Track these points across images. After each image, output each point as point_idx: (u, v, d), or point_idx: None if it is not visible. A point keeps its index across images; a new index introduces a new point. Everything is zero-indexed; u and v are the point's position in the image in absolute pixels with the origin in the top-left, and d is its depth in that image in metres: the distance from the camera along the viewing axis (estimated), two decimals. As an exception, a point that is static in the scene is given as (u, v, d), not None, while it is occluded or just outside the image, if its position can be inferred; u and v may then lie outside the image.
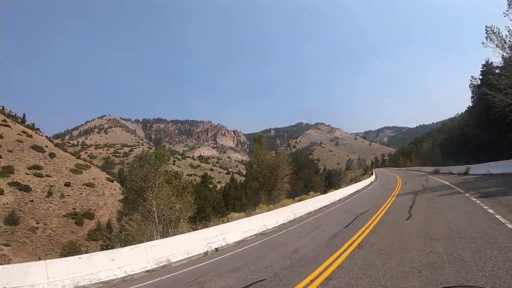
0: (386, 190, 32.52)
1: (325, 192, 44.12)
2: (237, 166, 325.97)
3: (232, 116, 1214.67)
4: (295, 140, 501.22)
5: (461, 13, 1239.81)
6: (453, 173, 44.13)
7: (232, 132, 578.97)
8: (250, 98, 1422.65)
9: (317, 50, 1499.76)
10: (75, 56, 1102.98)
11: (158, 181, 26.44)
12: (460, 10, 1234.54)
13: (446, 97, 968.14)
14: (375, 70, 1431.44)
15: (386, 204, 19.97)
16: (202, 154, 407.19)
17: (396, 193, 27.85)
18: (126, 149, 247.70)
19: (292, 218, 21.31)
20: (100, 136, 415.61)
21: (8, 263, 58.09)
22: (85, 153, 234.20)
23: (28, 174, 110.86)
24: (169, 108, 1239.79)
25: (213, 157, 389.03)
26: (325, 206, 26.50)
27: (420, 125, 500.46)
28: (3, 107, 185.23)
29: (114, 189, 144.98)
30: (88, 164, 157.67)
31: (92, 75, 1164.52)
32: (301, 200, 28.96)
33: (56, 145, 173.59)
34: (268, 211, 22.83)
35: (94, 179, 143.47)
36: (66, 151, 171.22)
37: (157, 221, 23.24)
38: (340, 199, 30.61)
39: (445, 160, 70.82)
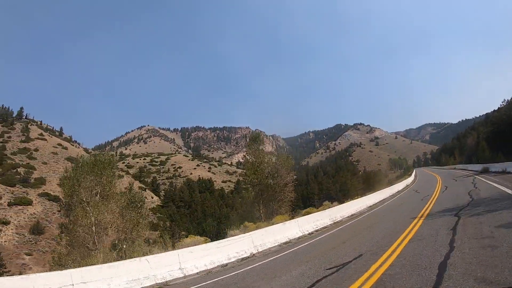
0: (417, 202, 23.99)
1: (340, 202, 35.32)
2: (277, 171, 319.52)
3: (271, 121, 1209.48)
4: (334, 142, 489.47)
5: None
6: (510, 172, 35.04)
7: (270, 137, 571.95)
8: (288, 102, 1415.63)
9: (354, 49, 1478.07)
10: (114, 68, 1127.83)
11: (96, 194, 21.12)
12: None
13: (488, 90, 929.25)
14: (414, 67, 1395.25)
15: (398, 243, 10.87)
16: (241, 160, 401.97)
17: (429, 208, 18.50)
18: (163, 158, 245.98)
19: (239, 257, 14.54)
20: (140, 146, 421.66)
21: (27, 273, 54.90)
22: (122, 163, 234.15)
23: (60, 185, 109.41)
24: (208, 116, 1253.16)
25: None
26: (298, 238, 17.85)
27: (462, 120, 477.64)
28: (41, 122, 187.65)
29: (146, 197, 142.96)
30: (121, 173, 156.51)
31: (131, 86, 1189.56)
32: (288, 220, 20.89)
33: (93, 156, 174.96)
34: (242, 234, 16.82)
35: (126, 188, 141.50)
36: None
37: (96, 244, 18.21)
38: (339, 220, 22.40)
39: (494, 155, 63.95)
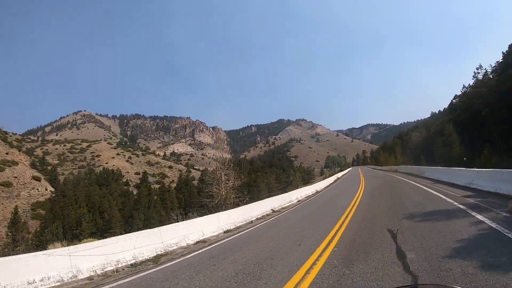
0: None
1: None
2: (209, 163, 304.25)
3: (214, 113, 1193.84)
4: (274, 136, 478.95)
5: (445, 11, 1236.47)
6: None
7: (211, 129, 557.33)
8: (233, 95, 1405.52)
9: (302, 48, 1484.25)
10: (56, 50, 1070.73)
11: None
12: (443, 9, 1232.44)
13: (431, 97, 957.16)
14: (360, 69, 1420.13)
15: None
16: (176, 151, 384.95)
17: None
18: (85, 145, 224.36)
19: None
20: (72, 132, 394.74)
21: None
22: (40, 149, 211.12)
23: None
24: (151, 104, 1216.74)
25: (186, 154, 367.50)
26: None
27: (404, 122, 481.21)
28: None
29: (38, 189, 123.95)
30: (15, 160, 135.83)
31: (69, 69, 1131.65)
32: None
33: (4, 139, 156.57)
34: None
35: (16, 177, 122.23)
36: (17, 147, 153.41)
37: None
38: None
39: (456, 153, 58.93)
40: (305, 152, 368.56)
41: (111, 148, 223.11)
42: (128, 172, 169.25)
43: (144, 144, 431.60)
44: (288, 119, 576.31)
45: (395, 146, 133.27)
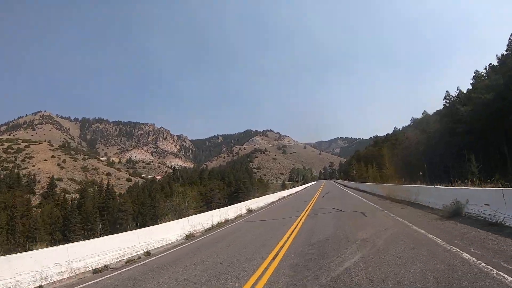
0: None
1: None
2: (165, 172, 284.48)
3: (183, 121, 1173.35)
4: (239, 147, 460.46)
5: (416, 27, 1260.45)
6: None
7: (175, 137, 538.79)
8: (202, 104, 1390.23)
9: (275, 61, 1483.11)
10: (21, 47, 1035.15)
11: None
12: (411, 25, 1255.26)
13: (400, 113, 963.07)
14: (332, 83, 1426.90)
15: None
16: (133, 158, 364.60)
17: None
18: (23, 145, 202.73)
19: None
20: (26, 132, 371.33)
21: None
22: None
23: None
24: (117, 109, 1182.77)
25: (143, 161, 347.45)
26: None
27: (373, 136, 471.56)
28: None
29: None
30: None
31: (32, 68, 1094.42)
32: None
33: None
34: None
35: None
36: None
37: None
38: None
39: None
40: (269, 163, 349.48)
41: (50, 150, 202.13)
42: (49, 177, 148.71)
43: (102, 150, 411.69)
44: (255, 130, 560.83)
45: (370, 157, 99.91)
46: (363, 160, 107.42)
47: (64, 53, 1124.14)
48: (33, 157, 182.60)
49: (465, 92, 70.78)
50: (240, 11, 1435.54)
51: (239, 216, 22.89)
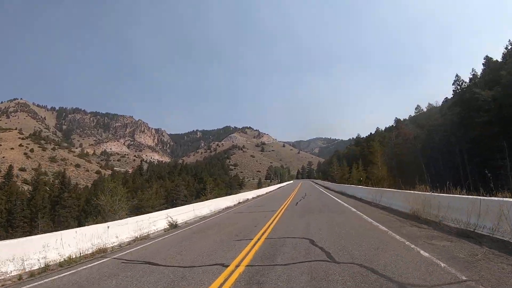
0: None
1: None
2: (138, 166, 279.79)
3: (161, 114, 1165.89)
4: (217, 143, 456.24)
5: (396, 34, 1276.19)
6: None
7: (153, 130, 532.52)
8: (182, 99, 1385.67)
9: (257, 60, 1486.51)
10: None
11: None
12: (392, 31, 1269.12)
13: (376, 118, 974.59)
14: (311, 83, 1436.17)
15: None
16: (108, 150, 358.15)
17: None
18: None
19: None
20: (0, 120, 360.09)
21: None
22: None
23: None
24: (95, 100, 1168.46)
25: (118, 154, 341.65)
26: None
27: (353, 137, 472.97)
28: None
29: None
30: None
31: (11, 53, 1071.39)
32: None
33: None
34: None
35: None
36: None
37: None
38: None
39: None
40: (246, 160, 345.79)
41: (20, 138, 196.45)
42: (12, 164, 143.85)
43: (78, 141, 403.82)
44: (235, 126, 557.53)
45: (357, 155, 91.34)
46: (345, 160, 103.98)
47: (45, 40, 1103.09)
48: (0, 145, 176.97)
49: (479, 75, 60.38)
50: (223, 8, 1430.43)
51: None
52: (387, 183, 47.80)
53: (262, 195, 47.02)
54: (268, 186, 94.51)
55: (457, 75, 60.61)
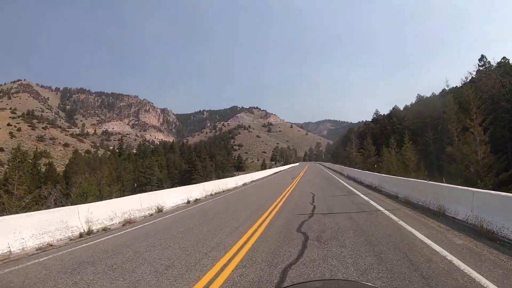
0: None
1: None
2: (140, 146, 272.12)
3: (168, 94, 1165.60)
4: (223, 122, 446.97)
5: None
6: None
7: (158, 110, 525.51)
8: (189, 79, 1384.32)
9: (270, 39, 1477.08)
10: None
11: None
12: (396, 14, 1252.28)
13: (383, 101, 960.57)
14: (318, 65, 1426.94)
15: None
16: (110, 130, 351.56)
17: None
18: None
19: None
20: (1, 101, 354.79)
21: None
22: None
23: None
24: (101, 80, 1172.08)
25: (119, 134, 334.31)
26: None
27: (362, 120, 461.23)
28: None
29: None
30: None
31: (19, 34, 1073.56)
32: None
33: None
34: None
35: None
36: None
37: None
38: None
39: None
40: (251, 141, 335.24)
41: (10, 118, 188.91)
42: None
43: (81, 121, 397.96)
44: (242, 106, 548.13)
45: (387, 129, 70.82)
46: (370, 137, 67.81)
47: (51, 18, 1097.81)
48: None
49: None
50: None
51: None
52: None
53: (247, 183, 31.02)
54: (269, 168, 75.01)
55: None
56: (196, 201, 17.16)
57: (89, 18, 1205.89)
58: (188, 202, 16.44)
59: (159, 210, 13.39)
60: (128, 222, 11.07)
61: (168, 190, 18.41)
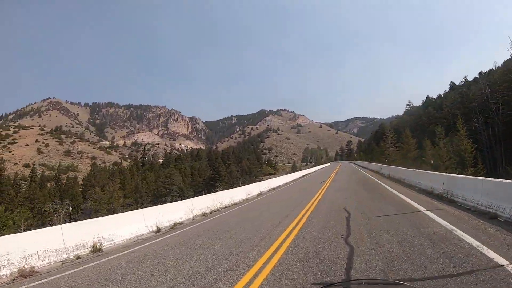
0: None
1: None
2: (166, 155, 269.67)
3: (195, 103, 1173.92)
4: (251, 127, 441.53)
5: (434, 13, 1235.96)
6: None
7: (187, 118, 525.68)
8: (217, 86, 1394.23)
9: (292, 42, 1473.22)
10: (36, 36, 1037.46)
11: None
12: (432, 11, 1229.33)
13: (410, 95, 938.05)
14: (349, 63, 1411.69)
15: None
16: (139, 141, 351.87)
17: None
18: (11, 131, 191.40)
19: None
20: (32, 119, 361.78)
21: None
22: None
23: None
24: (129, 93, 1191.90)
25: (149, 144, 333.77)
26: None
27: (392, 115, 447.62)
28: None
29: None
30: None
31: (47, 55, 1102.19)
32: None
33: None
34: None
35: None
36: None
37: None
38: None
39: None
40: (281, 143, 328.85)
41: (39, 134, 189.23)
42: (17, 163, 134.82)
43: (111, 134, 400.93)
44: (270, 110, 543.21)
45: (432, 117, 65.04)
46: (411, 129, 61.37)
47: (77, 40, 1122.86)
48: (17, 142, 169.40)
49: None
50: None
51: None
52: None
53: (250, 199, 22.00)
54: (292, 172, 66.33)
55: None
56: (174, 227, 12.21)
57: (115, 35, 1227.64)
58: (158, 230, 11.50)
59: (97, 250, 7.59)
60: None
61: (120, 215, 12.06)
